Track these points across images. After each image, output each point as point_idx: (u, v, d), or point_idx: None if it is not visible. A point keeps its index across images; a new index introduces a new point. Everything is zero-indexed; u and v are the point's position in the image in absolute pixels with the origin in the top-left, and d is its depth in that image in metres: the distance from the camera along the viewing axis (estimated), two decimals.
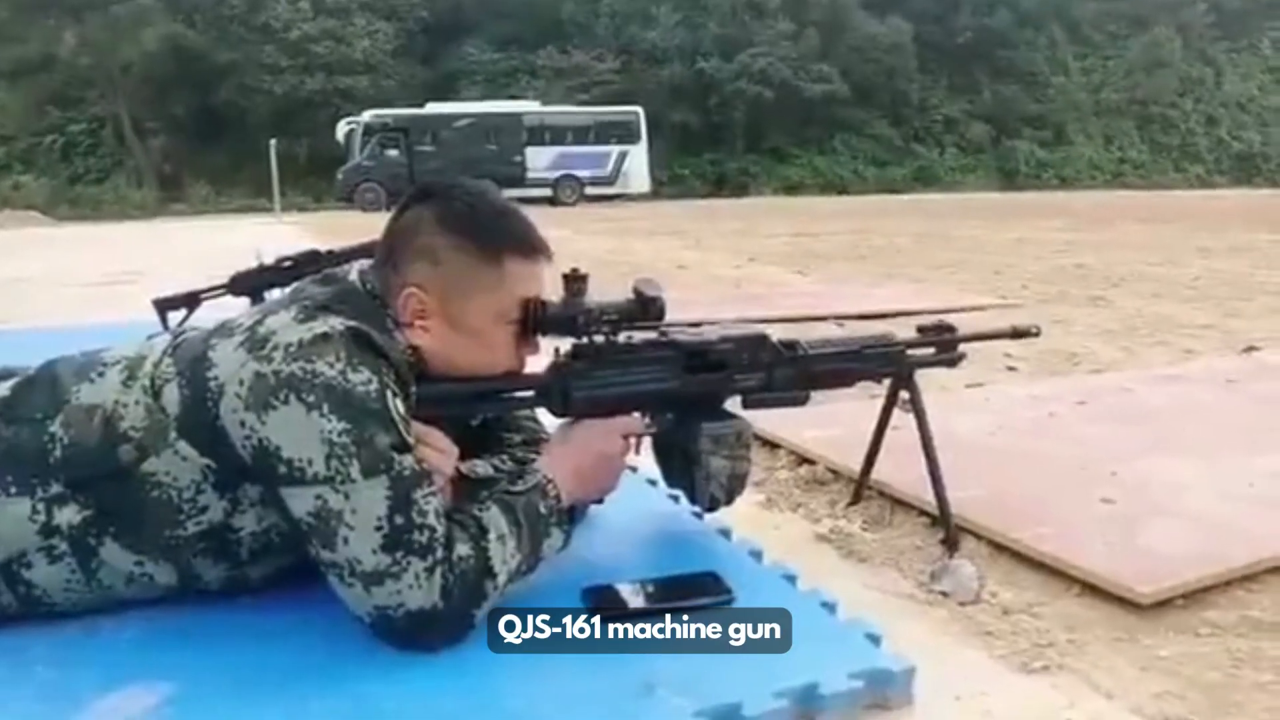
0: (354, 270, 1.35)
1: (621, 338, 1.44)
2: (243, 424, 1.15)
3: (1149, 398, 2.65)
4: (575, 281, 1.40)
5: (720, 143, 32.30)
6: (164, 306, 3.80)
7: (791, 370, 1.54)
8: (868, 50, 33.11)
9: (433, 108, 25.73)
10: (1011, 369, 3.20)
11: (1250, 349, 3.53)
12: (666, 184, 29.59)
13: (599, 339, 1.42)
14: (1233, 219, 13.22)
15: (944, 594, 1.45)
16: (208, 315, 3.81)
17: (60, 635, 1.22)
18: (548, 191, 24.77)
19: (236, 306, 3.95)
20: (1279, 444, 2.12)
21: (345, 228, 14.00)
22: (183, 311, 3.80)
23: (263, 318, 1.23)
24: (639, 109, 26.47)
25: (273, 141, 19.81)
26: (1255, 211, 15.27)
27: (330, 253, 4.12)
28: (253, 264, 3.96)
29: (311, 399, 1.13)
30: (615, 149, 25.78)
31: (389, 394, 1.17)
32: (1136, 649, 1.26)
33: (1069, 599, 1.42)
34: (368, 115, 24.54)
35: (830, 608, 1.30)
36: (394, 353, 1.23)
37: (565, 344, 1.43)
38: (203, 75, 28.42)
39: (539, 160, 25.35)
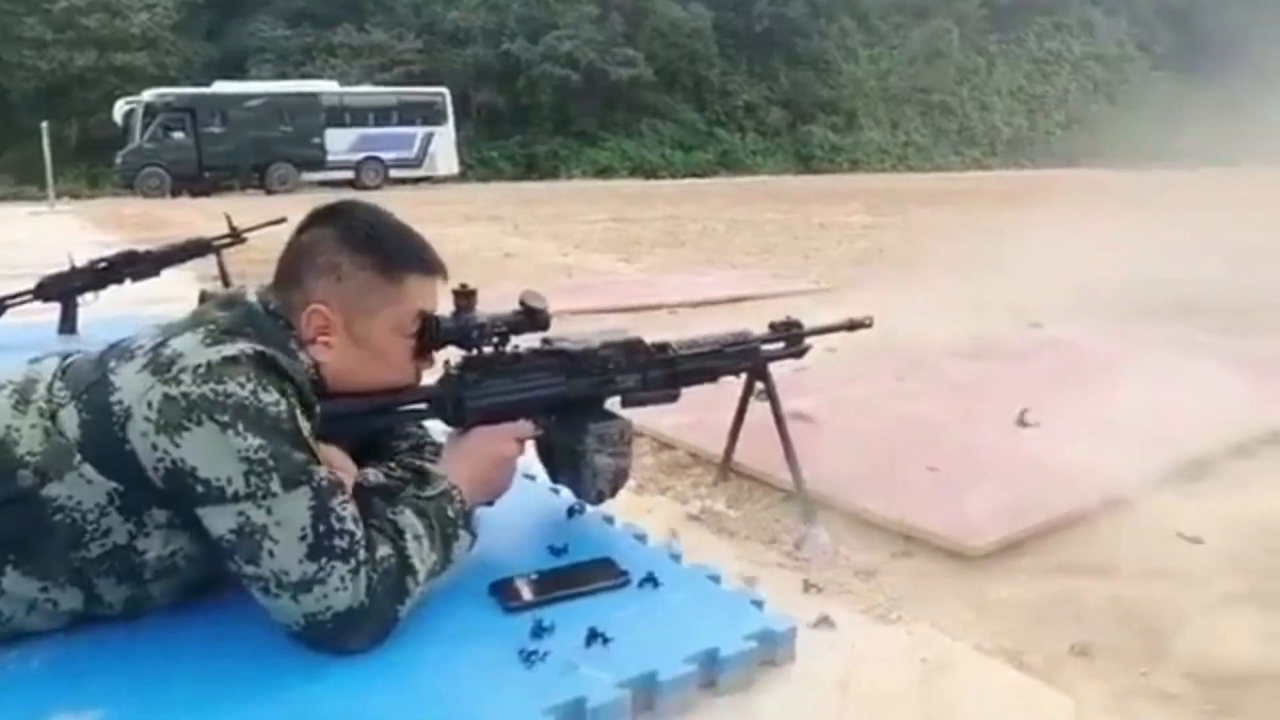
0: (250, 291, 1.38)
1: (509, 348, 1.54)
2: (154, 447, 1.17)
3: (957, 374, 2.99)
4: (465, 297, 1.48)
5: (529, 125, 32.18)
6: None
7: (665, 370, 1.69)
8: (670, 35, 33.86)
9: (221, 87, 24.18)
10: (831, 350, 3.48)
11: (1036, 324, 3.99)
12: (475, 167, 29.24)
13: (489, 350, 1.51)
14: (1005, 200, 14.52)
15: (807, 560, 1.64)
16: (13, 321, 3.58)
17: None
18: (350, 175, 23.93)
19: (45, 312, 3.72)
20: (1073, 410, 2.46)
21: (129, 218, 13.08)
22: None
23: (165, 339, 1.24)
24: (444, 90, 25.98)
25: (44, 124, 18.07)
26: (1023, 193, 16.80)
27: (149, 253, 3.94)
28: (64, 266, 3.72)
29: (225, 419, 1.16)
30: (421, 130, 25.20)
31: (297, 414, 1.22)
32: (972, 595, 1.50)
33: (913, 556, 1.64)
34: (149, 95, 22.78)
35: (716, 579, 1.45)
36: (299, 375, 1.27)
37: (455, 356, 1.51)
38: None
39: (339, 142, 24.41)
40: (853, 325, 1.99)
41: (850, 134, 37.45)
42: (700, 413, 2.38)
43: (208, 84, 24.53)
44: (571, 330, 1.68)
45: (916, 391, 2.74)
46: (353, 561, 1.19)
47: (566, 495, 1.73)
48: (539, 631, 1.28)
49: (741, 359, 1.82)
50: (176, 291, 4.23)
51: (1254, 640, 1.43)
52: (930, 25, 39.28)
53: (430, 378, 1.51)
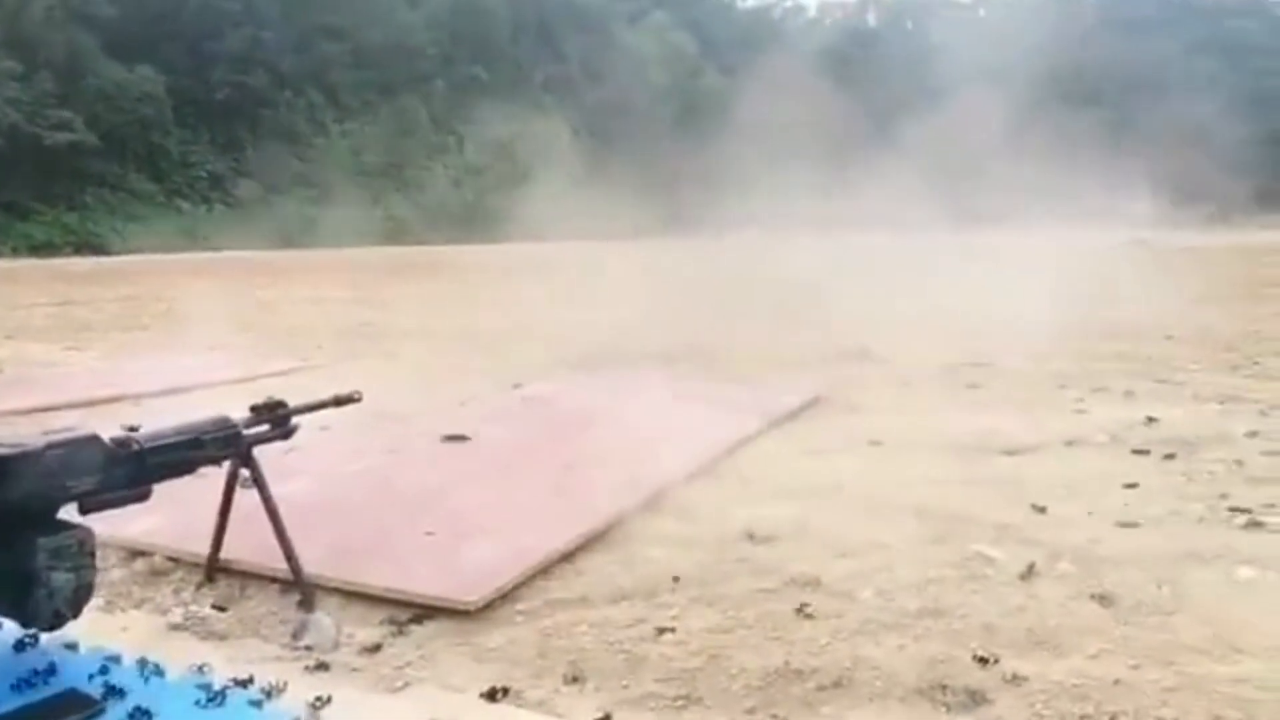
0: None
1: None
2: None
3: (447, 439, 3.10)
4: None
5: None
6: None
7: (129, 468, 1.52)
8: (117, 98, 30.81)
9: None
10: (325, 429, 3.40)
11: (518, 385, 4.30)
12: None
13: None
14: (497, 272, 15.36)
15: (309, 648, 1.59)
16: None
17: None
18: None
19: None
20: (555, 456, 2.70)
21: None
22: None
23: None
24: None
25: None
26: (504, 265, 17.86)
27: None
28: None
29: None
30: None
31: None
32: (472, 647, 1.57)
33: (415, 622, 1.68)
34: None
35: (206, 688, 1.35)
36: None
37: None
38: None
39: None
40: (340, 401, 1.99)
41: (328, 207, 37.07)
42: (178, 511, 2.19)
43: None
44: (7, 434, 1.45)
45: (410, 460, 2.81)
46: None
47: (11, 628, 1.48)
48: None
49: (222, 446, 1.71)
50: None
51: (704, 637, 1.69)
52: (400, 102, 40.63)
53: None
